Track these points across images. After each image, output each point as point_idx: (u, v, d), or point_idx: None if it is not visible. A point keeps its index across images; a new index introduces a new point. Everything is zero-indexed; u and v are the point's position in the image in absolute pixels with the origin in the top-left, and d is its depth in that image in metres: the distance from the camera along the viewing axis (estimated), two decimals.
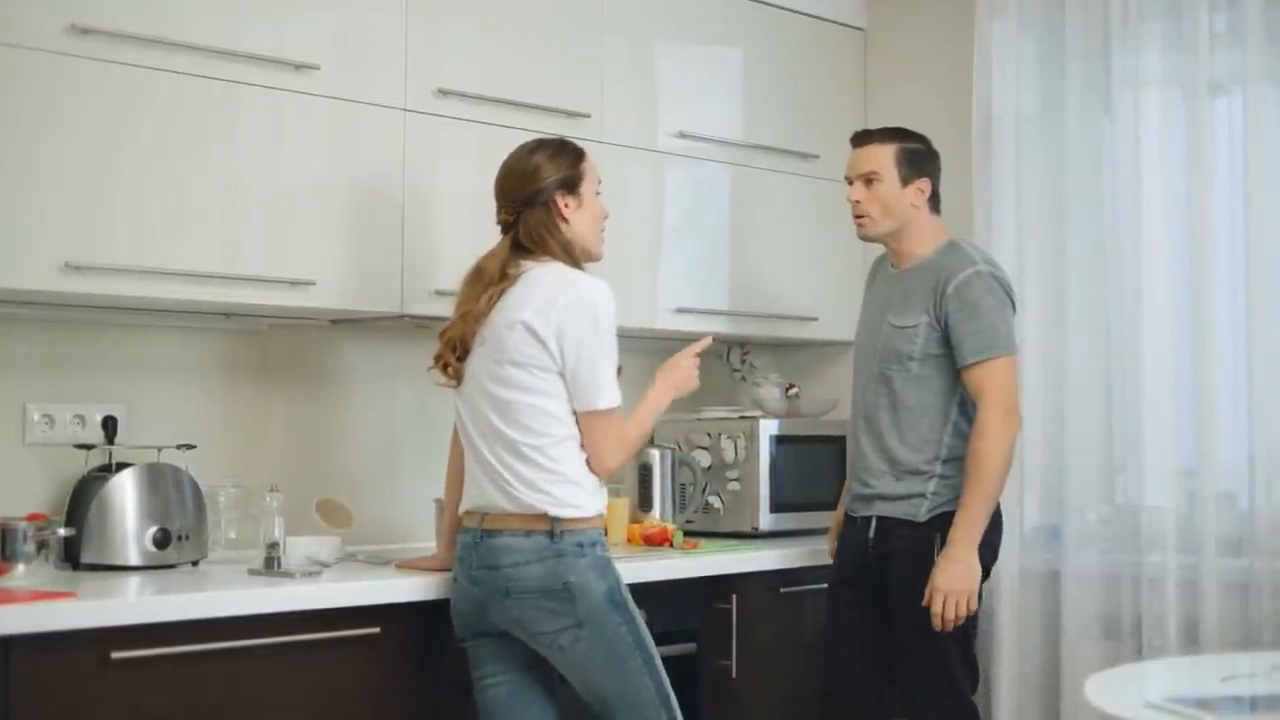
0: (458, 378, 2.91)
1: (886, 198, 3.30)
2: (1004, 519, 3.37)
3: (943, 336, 3.22)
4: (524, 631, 2.83)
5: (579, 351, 2.80)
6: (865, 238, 3.40)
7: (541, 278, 2.84)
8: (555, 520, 2.81)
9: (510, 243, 2.90)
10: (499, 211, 2.94)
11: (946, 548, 3.15)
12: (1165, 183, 3.63)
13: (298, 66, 3.15)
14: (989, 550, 3.27)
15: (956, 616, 3.12)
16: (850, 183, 3.36)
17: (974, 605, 3.14)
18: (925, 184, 3.32)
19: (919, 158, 3.33)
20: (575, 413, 2.84)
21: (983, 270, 3.23)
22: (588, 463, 2.84)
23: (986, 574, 3.31)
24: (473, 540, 2.87)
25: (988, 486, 3.14)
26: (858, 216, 3.35)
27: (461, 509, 2.95)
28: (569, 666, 2.85)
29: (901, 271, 3.34)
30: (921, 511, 3.24)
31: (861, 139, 3.38)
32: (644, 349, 3.74)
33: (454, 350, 2.89)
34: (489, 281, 2.87)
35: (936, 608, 3.12)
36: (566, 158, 2.93)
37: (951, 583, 3.12)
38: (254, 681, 2.75)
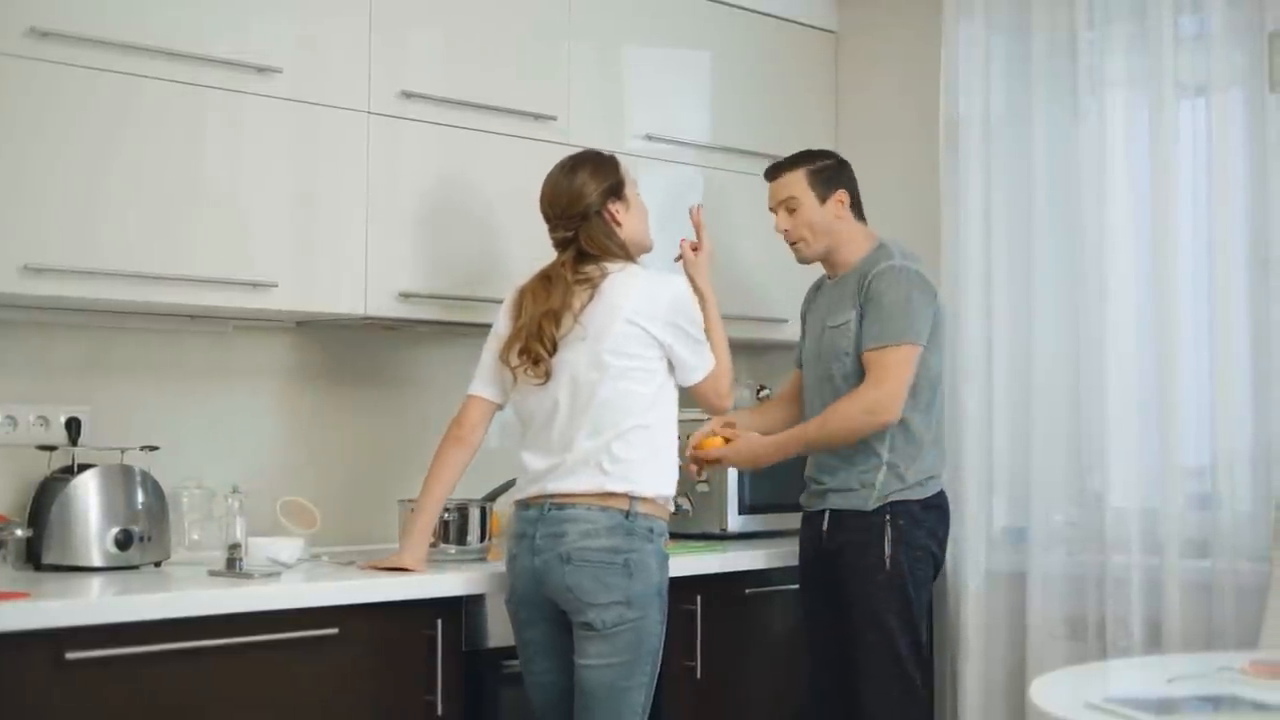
0: (548, 374, 2.99)
1: (810, 219, 3.41)
2: (971, 520, 3.37)
3: None
4: (575, 599, 2.92)
5: (683, 343, 3.06)
6: (804, 260, 3.50)
7: (629, 281, 3.03)
8: (635, 500, 2.95)
9: (575, 253, 3.06)
10: (554, 230, 3.09)
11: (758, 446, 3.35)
12: (1131, 184, 3.63)
13: (260, 69, 3.15)
14: (935, 543, 3.36)
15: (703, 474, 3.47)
16: (775, 213, 3.47)
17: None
18: (844, 195, 3.42)
19: (830, 173, 3.43)
20: (683, 385, 3.10)
21: (896, 264, 3.31)
22: (709, 407, 3.19)
23: (936, 570, 3.39)
24: (537, 514, 2.98)
25: (817, 439, 3.32)
26: (792, 242, 3.46)
27: (524, 495, 3.03)
28: (595, 644, 2.91)
29: (837, 280, 3.45)
30: (871, 501, 3.30)
31: (773, 172, 3.49)
32: None
33: (545, 346, 2.99)
34: (567, 285, 3.01)
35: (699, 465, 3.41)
36: (606, 169, 3.11)
37: (728, 456, 3.38)
38: (211, 682, 2.76)
